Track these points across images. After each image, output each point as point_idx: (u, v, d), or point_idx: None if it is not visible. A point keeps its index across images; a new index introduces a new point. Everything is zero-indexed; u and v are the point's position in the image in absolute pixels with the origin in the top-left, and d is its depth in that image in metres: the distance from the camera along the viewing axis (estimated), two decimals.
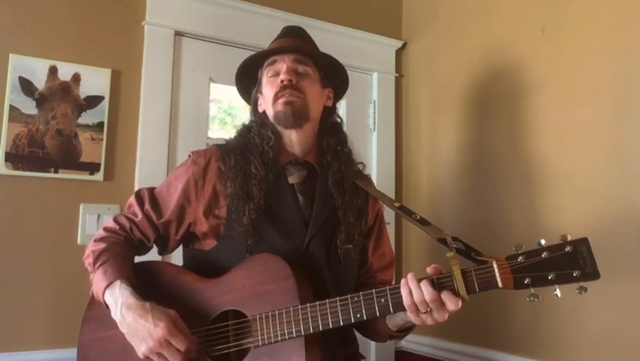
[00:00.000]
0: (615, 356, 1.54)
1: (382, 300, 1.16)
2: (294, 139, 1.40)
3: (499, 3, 2.01)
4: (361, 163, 1.52)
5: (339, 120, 1.50)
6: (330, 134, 1.45)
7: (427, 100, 2.35)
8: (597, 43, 1.66)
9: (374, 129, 2.39)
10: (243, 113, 2.26)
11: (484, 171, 2.01)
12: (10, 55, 1.73)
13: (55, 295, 1.74)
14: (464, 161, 2.12)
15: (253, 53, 2.08)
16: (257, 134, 1.39)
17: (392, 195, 2.29)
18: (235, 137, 1.45)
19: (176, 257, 1.47)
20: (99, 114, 1.84)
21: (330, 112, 1.48)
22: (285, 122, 1.36)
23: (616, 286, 1.50)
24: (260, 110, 1.46)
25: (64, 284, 1.75)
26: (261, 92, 1.45)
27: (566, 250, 1.07)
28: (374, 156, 2.36)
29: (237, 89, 1.53)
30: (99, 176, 1.82)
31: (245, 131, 1.43)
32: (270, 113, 1.39)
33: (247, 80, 1.49)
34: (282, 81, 1.36)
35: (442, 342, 2.07)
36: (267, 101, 1.40)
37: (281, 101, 1.35)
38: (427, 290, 1.11)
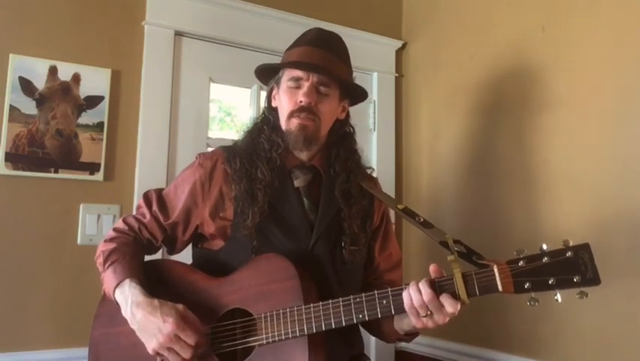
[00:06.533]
0: (615, 357, 1.54)
1: (384, 301, 1.17)
2: (302, 153, 1.40)
3: (499, 3, 2.01)
4: (370, 168, 1.52)
5: (350, 130, 1.49)
6: (340, 145, 1.44)
7: (427, 100, 2.35)
8: (598, 42, 1.66)
9: (374, 129, 2.39)
10: (243, 113, 2.27)
11: (485, 171, 2.00)
12: (10, 55, 1.73)
13: (55, 295, 1.74)
14: (464, 161, 2.12)
15: (253, 52, 2.11)
16: (267, 140, 1.39)
17: (392, 195, 2.29)
18: (244, 138, 1.44)
19: (186, 256, 1.48)
20: (99, 114, 1.84)
21: (342, 123, 1.47)
22: (295, 145, 1.36)
23: (616, 287, 1.50)
24: (274, 103, 1.44)
25: (64, 284, 1.75)
26: (277, 87, 1.42)
27: (567, 255, 1.08)
28: (374, 156, 2.36)
29: (256, 76, 1.49)
30: (99, 176, 1.82)
31: (255, 133, 1.42)
32: (283, 125, 1.38)
33: (268, 70, 1.46)
34: (300, 102, 1.34)
35: (441, 342, 2.07)
36: (282, 111, 1.39)
37: (295, 122, 1.34)
38: (425, 291, 1.12)
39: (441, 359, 2.08)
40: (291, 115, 1.36)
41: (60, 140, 1.77)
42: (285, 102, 1.38)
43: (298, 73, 1.36)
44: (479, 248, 1.21)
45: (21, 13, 1.77)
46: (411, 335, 1.33)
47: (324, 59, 1.37)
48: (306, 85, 1.35)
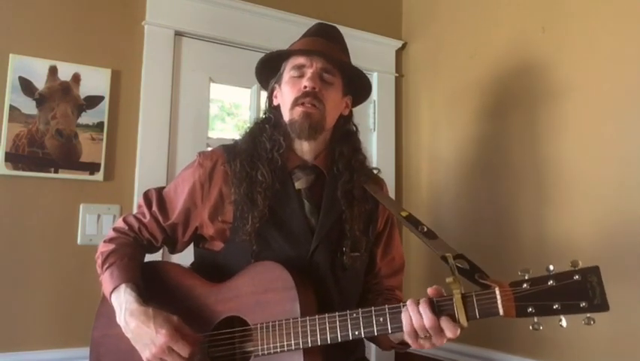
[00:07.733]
0: (617, 358, 1.53)
1: (381, 319, 1.13)
2: (305, 148, 1.38)
3: (499, 3, 2.01)
4: (376, 168, 1.49)
5: (354, 128, 1.46)
6: (344, 143, 1.41)
7: (427, 100, 2.35)
8: (598, 41, 1.66)
9: (374, 129, 2.39)
10: (243, 113, 2.27)
11: (485, 172, 2.00)
12: (10, 55, 1.73)
13: (55, 295, 1.74)
14: (465, 161, 2.12)
15: (253, 52, 2.11)
16: (268, 139, 1.36)
17: (392, 196, 2.29)
18: (245, 137, 1.41)
19: (188, 255, 1.48)
20: (99, 114, 1.84)
21: (345, 120, 1.44)
22: (300, 133, 1.33)
23: (620, 290, 1.49)
24: (275, 102, 1.42)
25: (64, 284, 1.75)
26: (279, 85, 1.41)
27: (575, 278, 1.01)
28: (374, 156, 2.36)
29: (256, 73, 1.48)
30: (99, 176, 1.82)
31: (256, 133, 1.39)
32: (286, 116, 1.35)
33: (268, 69, 1.45)
34: (305, 87, 1.31)
35: None
36: (285, 102, 1.36)
37: (300, 109, 1.31)
38: (426, 316, 1.08)
39: (441, 359, 2.07)
40: (295, 103, 1.32)
41: (60, 140, 1.77)
42: (287, 92, 1.35)
43: (301, 60, 1.35)
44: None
45: (21, 13, 1.77)
46: (405, 344, 1.28)
47: (326, 47, 1.37)
48: (309, 71, 1.33)
